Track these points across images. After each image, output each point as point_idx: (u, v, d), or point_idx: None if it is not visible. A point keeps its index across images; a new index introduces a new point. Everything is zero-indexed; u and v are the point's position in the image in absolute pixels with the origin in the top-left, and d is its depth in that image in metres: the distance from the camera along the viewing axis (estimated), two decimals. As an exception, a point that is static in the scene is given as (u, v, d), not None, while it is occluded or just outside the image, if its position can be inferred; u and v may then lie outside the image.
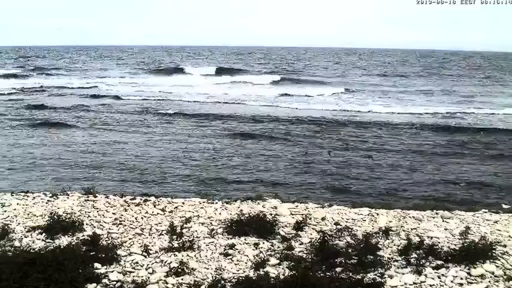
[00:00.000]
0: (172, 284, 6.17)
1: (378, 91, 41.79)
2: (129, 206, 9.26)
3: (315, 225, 8.35)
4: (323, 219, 8.64)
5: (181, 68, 63.48)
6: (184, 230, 7.90)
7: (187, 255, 6.95)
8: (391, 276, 6.39)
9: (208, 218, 8.61)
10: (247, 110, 29.31)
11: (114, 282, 6.15)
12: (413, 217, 8.95)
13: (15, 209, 8.81)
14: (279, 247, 7.36)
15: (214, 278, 6.23)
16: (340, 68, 72.62)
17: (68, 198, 9.71)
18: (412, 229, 8.23)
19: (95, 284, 6.03)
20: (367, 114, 29.29)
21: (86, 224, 8.11)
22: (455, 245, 7.42)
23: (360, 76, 57.66)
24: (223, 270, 6.53)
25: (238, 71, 59.62)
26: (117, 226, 8.16)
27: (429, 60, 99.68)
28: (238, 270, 6.56)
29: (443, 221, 8.79)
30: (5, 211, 8.73)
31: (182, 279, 6.27)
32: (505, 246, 7.41)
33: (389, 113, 29.45)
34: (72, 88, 41.45)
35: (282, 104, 32.89)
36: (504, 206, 10.17)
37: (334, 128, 24.02)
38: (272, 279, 6.10)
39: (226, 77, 51.74)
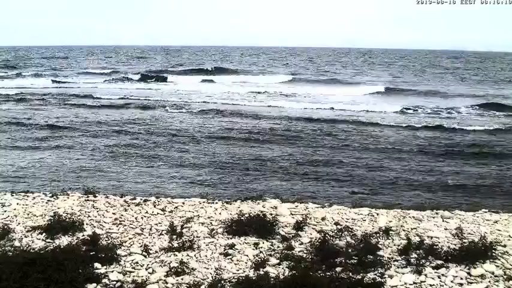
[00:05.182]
0: (172, 284, 6.17)
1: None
2: (129, 206, 9.26)
3: (315, 225, 8.34)
4: (323, 219, 8.64)
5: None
6: (184, 230, 7.90)
7: (187, 255, 6.95)
8: (391, 276, 6.39)
9: (208, 218, 8.61)
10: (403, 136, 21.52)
11: (114, 282, 6.15)
12: (413, 217, 8.95)
13: (15, 209, 8.81)
14: (278, 247, 7.36)
15: (214, 277, 6.24)
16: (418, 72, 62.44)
17: (68, 198, 9.71)
18: (412, 229, 8.23)
19: (95, 284, 6.03)
20: None
21: (86, 224, 8.10)
22: (455, 244, 7.42)
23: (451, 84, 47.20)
24: (223, 270, 6.52)
25: (326, 80, 50.21)
26: (117, 226, 8.16)
27: (477, 61, 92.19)
28: (238, 270, 6.56)
29: (443, 221, 8.79)
30: (5, 211, 8.73)
31: (182, 279, 6.27)
32: (505, 246, 7.40)
33: None
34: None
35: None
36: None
37: None
38: (272, 279, 6.10)
39: (326, 87, 42.44)
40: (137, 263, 6.74)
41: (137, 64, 74.27)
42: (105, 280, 6.17)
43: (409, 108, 30.34)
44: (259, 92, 38.63)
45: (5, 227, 7.76)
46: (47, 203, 9.34)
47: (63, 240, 7.35)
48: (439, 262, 6.76)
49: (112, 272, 6.39)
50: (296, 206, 9.43)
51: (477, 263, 6.70)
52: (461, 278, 6.35)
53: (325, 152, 18.09)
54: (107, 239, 7.42)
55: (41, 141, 19.30)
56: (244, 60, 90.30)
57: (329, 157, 17.26)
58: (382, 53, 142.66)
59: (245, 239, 7.59)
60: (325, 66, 75.00)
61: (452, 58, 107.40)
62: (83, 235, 7.54)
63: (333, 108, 30.24)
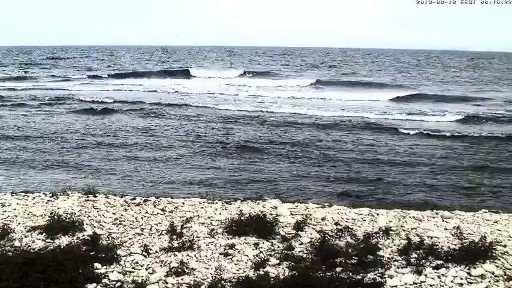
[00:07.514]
0: (172, 284, 6.17)
1: None
2: (129, 206, 9.26)
3: (315, 225, 8.34)
4: (323, 219, 8.64)
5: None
6: (184, 230, 7.90)
7: (187, 255, 6.95)
8: (391, 276, 6.39)
9: (208, 218, 8.60)
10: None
11: (114, 282, 6.15)
12: (413, 217, 8.95)
13: (15, 209, 8.81)
14: (279, 247, 7.36)
15: (214, 278, 6.23)
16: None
17: (68, 198, 9.71)
18: (412, 229, 8.23)
19: (95, 284, 6.03)
20: None
21: (86, 224, 8.10)
22: (455, 245, 7.42)
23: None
24: (223, 270, 6.52)
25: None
26: (117, 226, 8.15)
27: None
28: (238, 270, 6.56)
29: (443, 221, 8.78)
30: (5, 211, 8.72)
31: (182, 279, 6.27)
32: (505, 246, 7.41)
33: None
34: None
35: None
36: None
37: None
38: (272, 279, 6.10)
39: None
40: (137, 263, 6.74)
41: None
42: (105, 280, 6.17)
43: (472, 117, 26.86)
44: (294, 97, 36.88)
45: (5, 227, 7.76)
46: (47, 203, 9.34)
47: (63, 240, 7.35)
48: (439, 262, 6.76)
49: (112, 272, 6.38)
50: (296, 206, 9.43)
51: (477, 263, 6.70)
52: (461, 278, 6.35)
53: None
54: (107, 239, 7.42)
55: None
56: (260, 61, 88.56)
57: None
58: (384, 53, 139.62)
59: (245, 239, 7.59)
60: (343, 67, 73.31)
61: (459, 58, 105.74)
62: (83, 235, 7.54)
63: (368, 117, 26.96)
